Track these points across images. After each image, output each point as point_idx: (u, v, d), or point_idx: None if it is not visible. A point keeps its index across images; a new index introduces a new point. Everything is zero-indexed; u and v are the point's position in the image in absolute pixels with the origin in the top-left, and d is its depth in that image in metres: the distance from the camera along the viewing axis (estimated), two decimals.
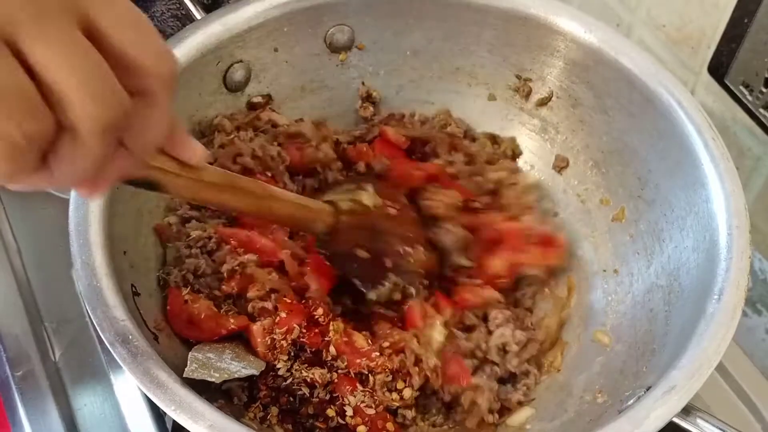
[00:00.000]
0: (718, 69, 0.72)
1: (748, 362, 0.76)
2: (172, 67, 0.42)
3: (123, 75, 0.39)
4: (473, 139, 0.85)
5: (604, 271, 0.77)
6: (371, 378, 0.66)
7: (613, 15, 0.84)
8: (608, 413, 0.62)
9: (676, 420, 0.54)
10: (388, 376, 0.66)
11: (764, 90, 0.68)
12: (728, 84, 0.72)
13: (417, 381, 0.67)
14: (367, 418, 0.64)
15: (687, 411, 0.54)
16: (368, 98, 0.85)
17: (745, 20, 0.67)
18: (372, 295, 0.68)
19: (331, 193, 0.70)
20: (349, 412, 0.64)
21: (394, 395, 0.66)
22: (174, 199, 0.74)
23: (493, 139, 0.85)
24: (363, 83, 0.85)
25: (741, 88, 0.70)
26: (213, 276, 0.69)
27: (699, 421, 0.55)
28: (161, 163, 0.49)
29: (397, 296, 0.69)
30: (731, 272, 0.60)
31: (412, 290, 0.69)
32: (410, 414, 0.67)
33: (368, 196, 0.69)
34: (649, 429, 0.53)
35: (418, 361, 0.67)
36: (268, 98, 0.81)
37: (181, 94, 0.72)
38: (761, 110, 0.69)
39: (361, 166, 0.81)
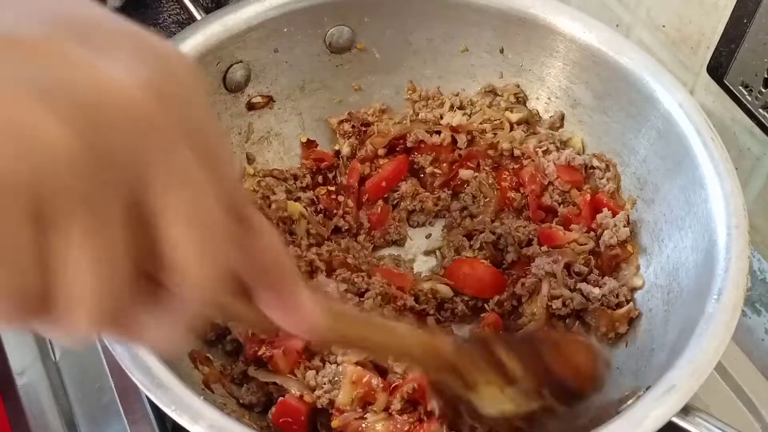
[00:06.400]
0: (718, 69, 0.72)
1: (748, 362, 0.76)
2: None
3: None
4: (471, 104, 0.84)
5: None
6: None
7: (612, 15, 0.84)
8: (608, 413, 0.62)
9: (675, 420, 0.54)
10: None
11: (763, 90, 0.68)
12: (727, 84, 0.72)
13: None
14: None
15: (686, 411, 0.54)
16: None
17: (745, 20, 0.67)
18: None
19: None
20: None
21: None
22: None
23: (493, 92, 0.84)
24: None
25: (740, 88, 0.70)
26: None
27: (698, 420, 0.54)
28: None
29: None
30: (730, 272, 0.60)
31: None
32: None
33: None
34: (649, 429, 0.53)
35: None
36: (269, 99, 0.81)
37: None
38: (760, 110, 0.69)
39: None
